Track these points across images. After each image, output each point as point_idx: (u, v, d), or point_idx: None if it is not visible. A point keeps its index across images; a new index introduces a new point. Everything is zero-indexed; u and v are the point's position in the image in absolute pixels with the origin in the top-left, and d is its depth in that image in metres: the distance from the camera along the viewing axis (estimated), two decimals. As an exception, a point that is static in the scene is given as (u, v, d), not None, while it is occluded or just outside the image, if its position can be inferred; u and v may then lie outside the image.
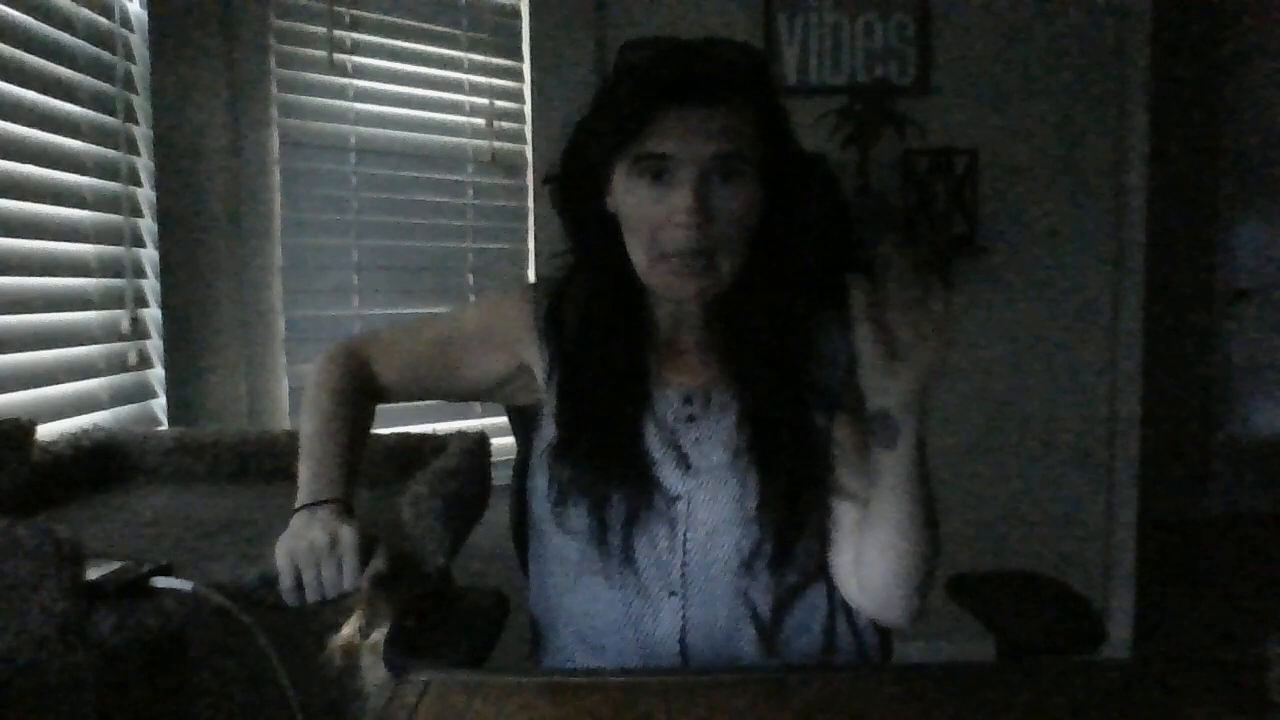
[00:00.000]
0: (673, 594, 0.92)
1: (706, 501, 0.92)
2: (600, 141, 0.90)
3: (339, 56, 1.87)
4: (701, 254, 0.86)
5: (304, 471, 0.91)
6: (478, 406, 2.05)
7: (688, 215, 0.84)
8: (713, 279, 0.88)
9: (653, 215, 0.87)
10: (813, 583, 0.97)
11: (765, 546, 0.90)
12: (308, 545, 0.81)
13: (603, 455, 0.91)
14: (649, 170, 0.86)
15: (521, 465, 1.18)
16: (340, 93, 1.89)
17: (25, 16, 1.27)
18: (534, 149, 2.18)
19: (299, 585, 0.81)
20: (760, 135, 0.88)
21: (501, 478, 1.25)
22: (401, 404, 1.53)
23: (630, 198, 0.88)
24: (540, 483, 0.97)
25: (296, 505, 0.88)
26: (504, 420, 1.28)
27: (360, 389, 1.00)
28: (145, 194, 1.55)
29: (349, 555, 0.81)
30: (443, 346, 1.04)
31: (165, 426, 1.55)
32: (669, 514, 0.92)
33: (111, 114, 1.47)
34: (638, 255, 0.90)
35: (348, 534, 0.82)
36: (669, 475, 0.93)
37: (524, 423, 1.13)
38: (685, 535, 0.92)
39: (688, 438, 0.94)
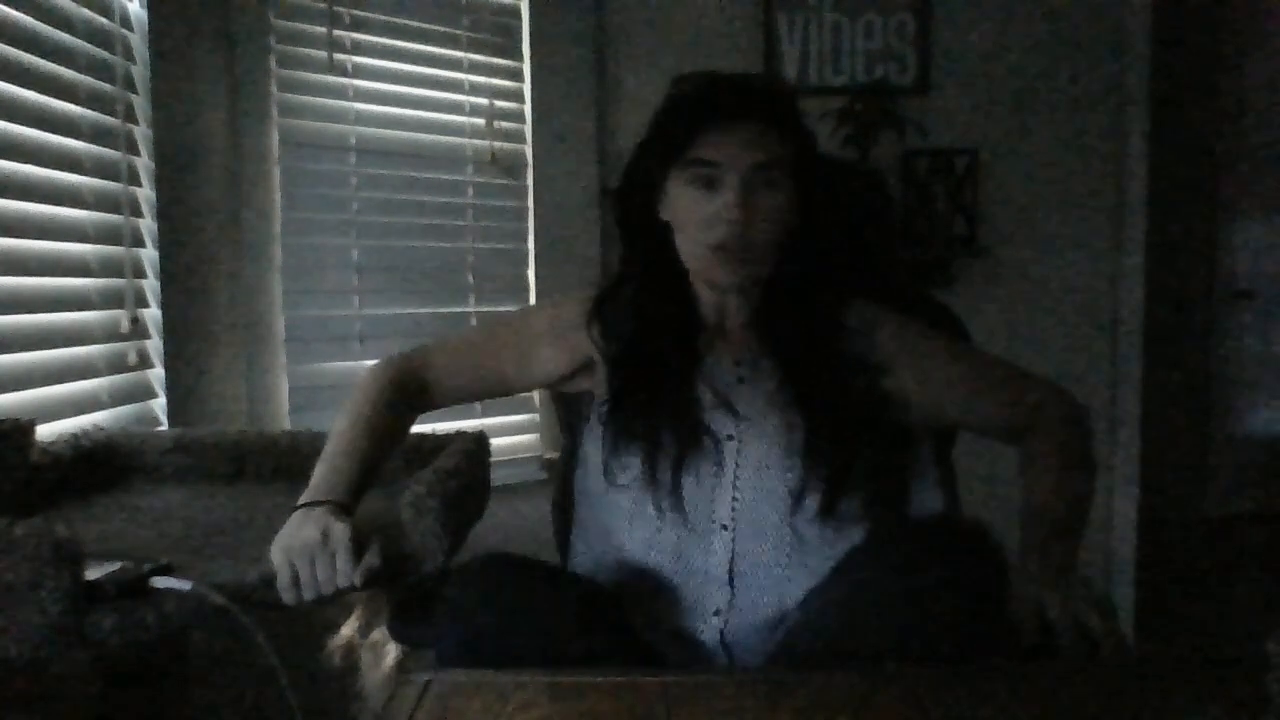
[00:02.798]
0: (724, 527, 1.00)
1: (756, 439, 1.02)
2: (657, 156, 1.04)
3: (339, 56, 1.87)
4: (745, 246, 0.99)
5: (316, 473, 0.94)
6: (477, 406, 2.06)
7: (733, 213, 0.98)
8: (754, 268, 1.03)
9: (703, 214, 1.00)
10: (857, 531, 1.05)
11: (813, 484, 1.00)
12: (301, 543, 0.82)
13: (654, 403, 1.03)
14: (700, 178, 1.00)
15: (569, 452, 1.26)
16: (340, 93, 1.89)
17: (25, 16, 1.27)
18: (534, 149, 2.18)
19: (295, 583, 0.82)
20: (794, 151, 1.02)
21: (501, 478, 1.25)
22: None
23: (684, 201, 1.02)
24: (591, 450, 1.08)
25: (296, 504, 0.88)
26: (504, 420, 1.28)
27: (405, 396, 1.07)
28: (145, 194, 1.55)
29: (341, 551, 0.82)
30: (512, 347, 1.14)
31: (165, 426, 1.55)
32: (719, 454, 1.02)
33: (111, 114, 1.47)
34: (689, 249, 1.04)
35: (339, 530, 0.83)
36: (719, 420, 1.03)
37: (574, 410, 1.23)
38: (736, 472, 1.01)
39: (738, 394, 1.05)
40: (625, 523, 1.04)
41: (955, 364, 1.11)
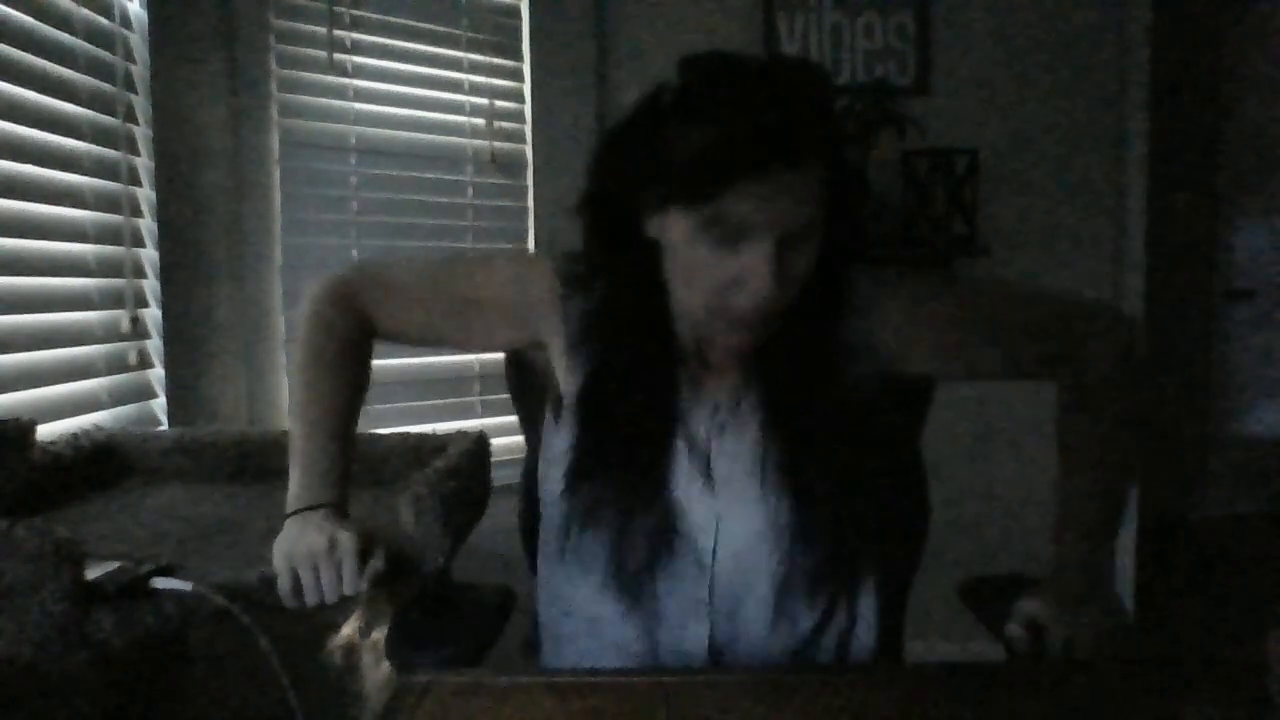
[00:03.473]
0: (700, 604, 0.91)
1: (737, 517, 0.90)
2: (653, 181, 0.82)
3: (339, 56, 1.87)
4: (767, 315, 0.83)
5: (296, 470, 0.89)
6: (478, 406, 2.06)
7: (765, 285, 0.79)
8: (768, 329, 0.86)
9: (720, 275, 0.81)
10: (856, 592, 0.97)
11: (799, 560, 0.89)
12: (305, 551, 0.81)
13: (625, 487, 0.89)
14: (721, 235, 0.79)
15: (532, 466, 1.16)
16: (340, 93, 1.89)
17: (25, 16, 1.27)
18: (534, 149, 2.18)
19: (298, 589, 0.81)
20: (829, 183, 0.81)
21: (501, 478, 1.25)
22: (401, 404, 1.51)
23: (692, 252, 0.81)
24: (551, 493, 0.95)
25: (289, 509, 0.87)
26: (504, 420, 1.28)
27: (359, 344, 0.96)
28: (145, 194, 1.55)
29: (348, 560, 0.81)
30: (454, 310, 0.98)
31: (165, 426, 1.55)
32: (695, 544, 0.90)
33: (111, 114, 1.47)
34: (691, 304, 0.86)
35: (345, 539, 0.82)
36: (696, 498, 0.90)
37: (533, 409, 1.10)
38: (715, 553, 0.91)
39: (718, 450, 0.92)
40: (589, 605, 0.95)
41: (971, 315, 0.95)
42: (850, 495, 0.89)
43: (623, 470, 0.89)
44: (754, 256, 0.78)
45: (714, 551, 0.90)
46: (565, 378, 0.96)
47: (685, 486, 0.90)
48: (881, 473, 0.92)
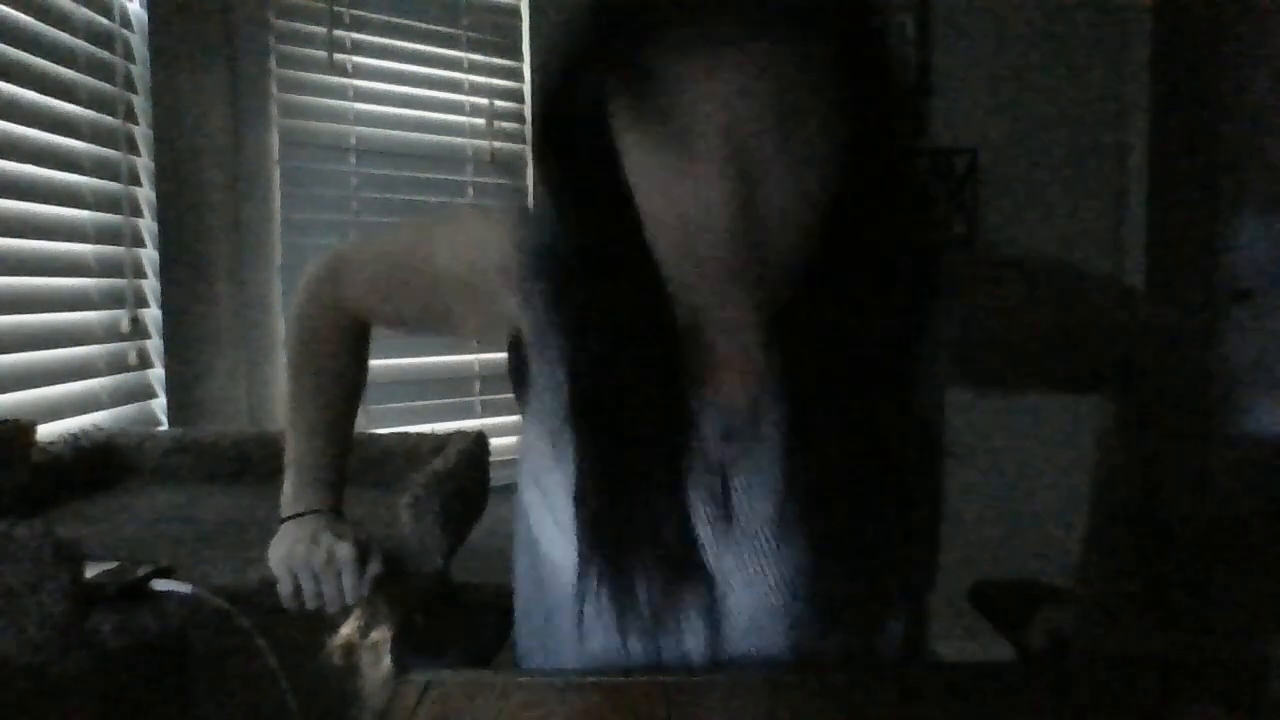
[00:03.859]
0: (702, 660, 0.77)
1: (753, 567, 0.73)
2: (587, 46, 0.59)
3: (339, 56, 1.87)
4: (750, 263, 0.58)
5: (290, 472, 0.88)
6: (477, 406, 2.06)
7: (717, 199, 0.55)
8: (767, 292, 0.61)
9: (674, 191, 0.57)
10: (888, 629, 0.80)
11: (828, 615, 0.73)
12: (303, 558, 0.80)
13: (637, 535, 0.71)
14: (662, 136, 0.56)
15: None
16: (340, 93, 1.89)
17: (25, 16, 1.27)
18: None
19: (298, 594, 0.81)
20: (837, 57, 0.56)
21: (501, 478, 1.25)
22: (401, 404, 1.48)
23: (641, 158, 0.59)
24: (534, 499, 0.78)
25: (284, 514, 0.86)
26: (504, 420, 1.28)
27: (350, 328, 0.88)
28: (145, 194, 1.55)
29: (348, 571, 0.80)
30: (419, 294, 0.82)
31: (165, 426, 1.55)
32: (705, 594, 0.73)
33: (111, 114, 1.46)
34: (659, 248, 0.62)
35: (344, 550, 0.81)
36: (710, 539, 0.72)
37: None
38: (726, 608, 0.74)
39: (735, 475, 0.72)
40: (579, 629, 0.78)
41: (1059, 306, 0.80)
42: (891, 538, 0.71)
43: (628, 519, 0.71)
44: (706, 168, 0.55)
45: (726, 603, 0.74)
46: (539, 377, 0.77)
47: (699, 525, 0.72)
48: (912, 499, 0.73)
